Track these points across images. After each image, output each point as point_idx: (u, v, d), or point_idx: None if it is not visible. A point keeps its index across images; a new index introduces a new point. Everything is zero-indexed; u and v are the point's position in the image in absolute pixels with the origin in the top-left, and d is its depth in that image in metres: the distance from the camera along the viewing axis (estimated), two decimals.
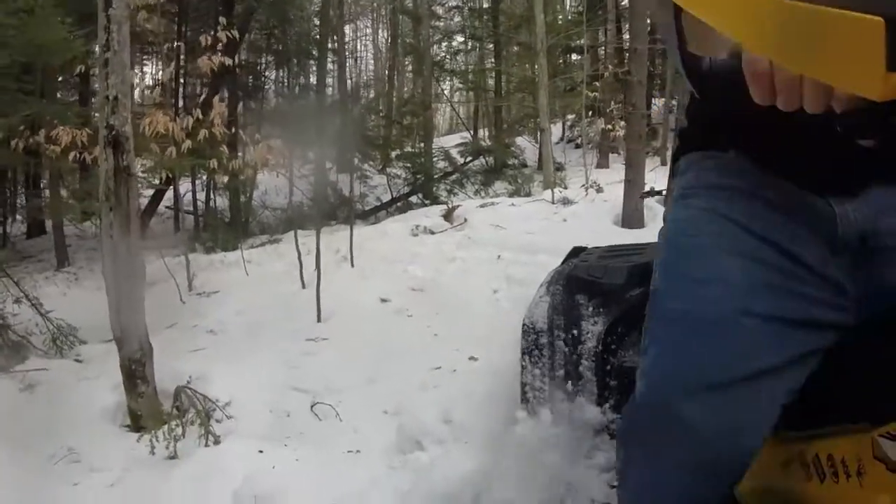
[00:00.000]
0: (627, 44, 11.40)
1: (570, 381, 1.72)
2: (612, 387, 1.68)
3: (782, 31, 0.59)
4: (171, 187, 8.05)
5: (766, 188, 1.03)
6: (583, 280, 1.81)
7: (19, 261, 7.73)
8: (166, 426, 2.61)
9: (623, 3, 14.07)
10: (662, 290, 1.07)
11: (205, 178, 8.94)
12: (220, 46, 5.37)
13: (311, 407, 3.01)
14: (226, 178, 6.05)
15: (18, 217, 10.21)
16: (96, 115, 3.65)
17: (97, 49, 2.79)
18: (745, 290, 0.97)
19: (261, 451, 2.47)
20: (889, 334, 0.98)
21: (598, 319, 1.73)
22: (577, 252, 2.14)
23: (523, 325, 1.81)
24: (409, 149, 12.27)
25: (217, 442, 2.56)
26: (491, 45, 16.35)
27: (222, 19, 5.65)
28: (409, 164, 11.30)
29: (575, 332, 1.73)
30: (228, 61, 5.29)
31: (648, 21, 7.53)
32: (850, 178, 0.98)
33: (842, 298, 0.99)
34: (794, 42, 0.59)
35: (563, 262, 2.02)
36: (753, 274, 0.98)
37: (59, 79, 8.02)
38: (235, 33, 5.63)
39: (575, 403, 1.70)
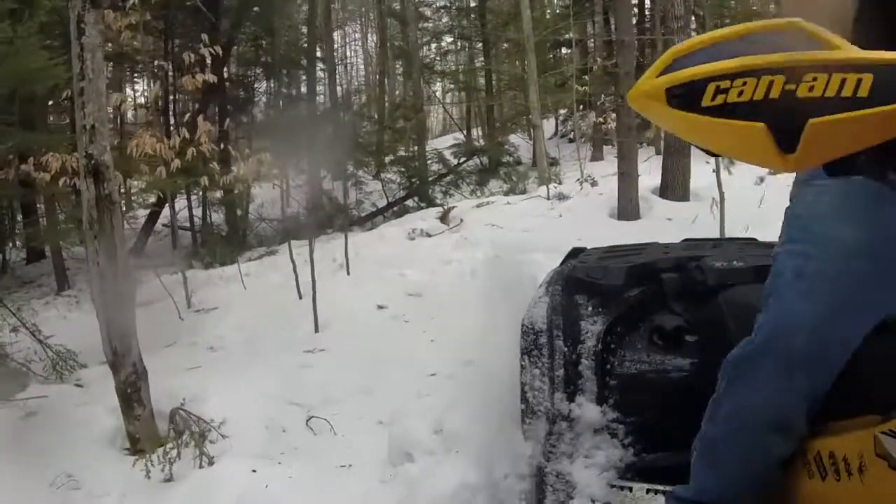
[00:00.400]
0: (615, 36, 11.37)
1: (569, 381, 1.73)
2: (612, 386, 1.68)
3: (720, 141, 0.83)
4: (167, 205, 8.06)
5: None
6: (582, 281, 1.82)
7: (20, 286, 7.73)
8: (161, 449, 2.63)
9: None
10: (784, 251, 1.22)
11: (200, 194, 8.94)
12: (207, 62, 5.38)
13: (307, 421, 3.02)
14: (219, 194, 6.06)
15: (17, 243, 10.23)
16: None
17: (74, 78, 2.78)
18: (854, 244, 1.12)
19: (254, 471, 2.48)
20: None
21: (597, 319, 1.74)
22: (576, 253, 2.14)
23: (522, 325, 1.81)
24: (402, 153, 12.19)
25: (211, 463, 2.57)
26: (480, 44, 16.33)
27: (204, 36, 5.64)
28: (403, 169, 11.26)
29: (574, 332, 1.74)
30: (213, 79, 5.28)
31: (635, 11, 7.52)
32: None
33: None
34: (733, 144, 0.82)
35: (561, 263, 2.03)
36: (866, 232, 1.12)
37: (50, 102, 8.04)
38: (219, 49, 5.63)
39: (574, 403, 1.71)
